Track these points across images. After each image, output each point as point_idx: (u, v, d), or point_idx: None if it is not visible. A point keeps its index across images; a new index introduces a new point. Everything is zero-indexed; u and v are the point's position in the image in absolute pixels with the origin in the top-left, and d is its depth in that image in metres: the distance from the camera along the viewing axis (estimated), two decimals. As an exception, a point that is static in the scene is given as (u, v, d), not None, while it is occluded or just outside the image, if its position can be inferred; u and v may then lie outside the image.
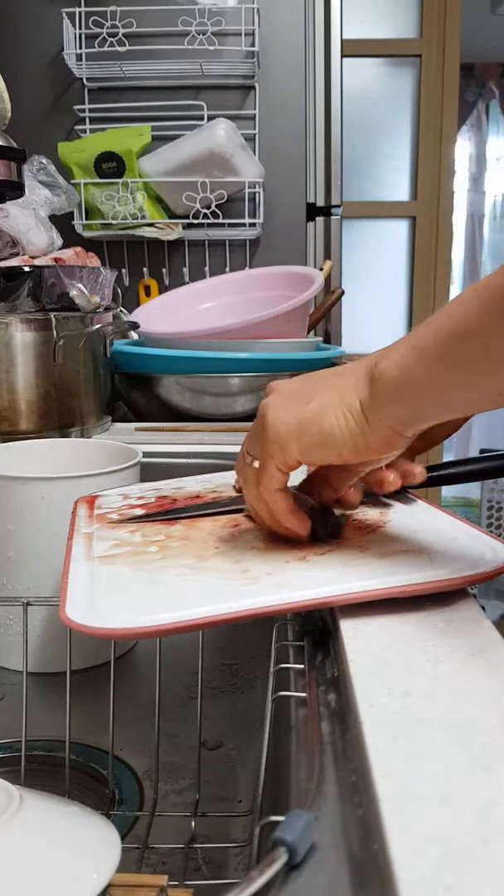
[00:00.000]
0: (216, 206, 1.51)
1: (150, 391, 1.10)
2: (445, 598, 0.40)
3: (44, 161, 1.38)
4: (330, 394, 0.43)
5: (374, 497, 0.57)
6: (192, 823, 0.45)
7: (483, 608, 0.45)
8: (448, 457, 3.15)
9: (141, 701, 0.55)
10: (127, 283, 1.60)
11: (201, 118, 1.53)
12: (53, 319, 0.92)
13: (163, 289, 1.59)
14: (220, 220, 1.53)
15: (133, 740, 0.54)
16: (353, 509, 0.53)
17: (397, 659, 0.35)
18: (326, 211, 1.69)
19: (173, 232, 1.53)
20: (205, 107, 1.53)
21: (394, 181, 2.84)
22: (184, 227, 1.54)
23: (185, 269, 1.60)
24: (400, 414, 0.41)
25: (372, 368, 0.42)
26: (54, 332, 0.92)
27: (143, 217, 1.50)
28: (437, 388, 0.39)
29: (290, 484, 0.46)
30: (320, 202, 1.69)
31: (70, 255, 1.27)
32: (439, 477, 0.57)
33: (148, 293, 1.61)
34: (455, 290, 3.38)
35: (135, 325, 1.11)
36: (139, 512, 0.56)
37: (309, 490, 0.50)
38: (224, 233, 1.56)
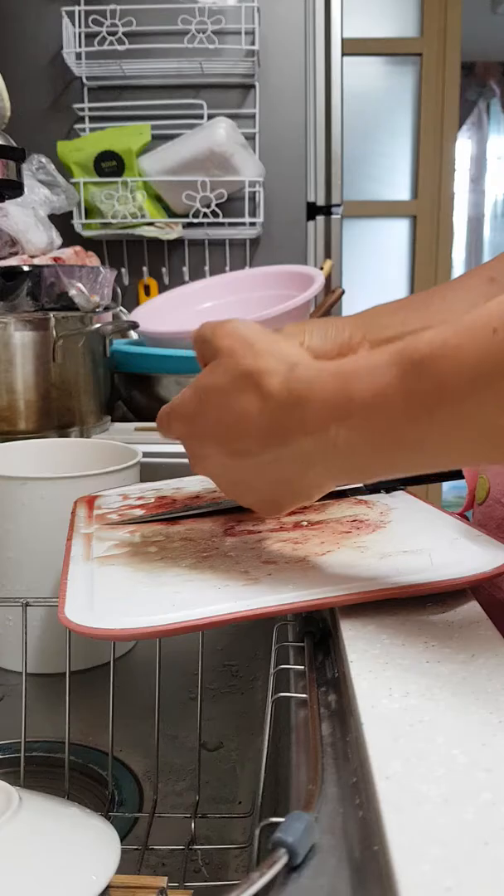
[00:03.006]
0: (216, 205, 1.51)
1: (149, 391, 1.10)
2: (445, 598, 0.40)
3: (43, 160, 1.38)
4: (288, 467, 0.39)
5: (373, 496, 0.57)
6: (192, 825, 0.45)
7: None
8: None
9: (141, 702, 0.55)
10: (126, 282, 1.60)
11: (201, 117, 1.53)
12: (52, 319, 0.92)
13: (163, 288, 1.59)
14: (220, 220, 1.53)
15: (133, 741, 0.54)
16: None
17: (398, 659, 0.34)
18: (327, 210, 1.69)
19: (173, 231, 1.53)
20: (205, 105, 1.53)
21: (394, 180, 2.84)
22: (184, 227, 1.54)
23: (185, 269, 1.60)
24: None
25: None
26: (53, 332, 0.92)
27: (143, 216, 1.50)
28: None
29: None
30: (320, 201, 1.69)
31: (69, 254, 1.27)
32: (380, 482, 0.57)
33: (148, 293, 1.61)
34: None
35: (134, 325, 1.10)
36: (139, 512, 0.56)
37: None
38: (224, 232, 1.56)
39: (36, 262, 1.19)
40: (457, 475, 0.59)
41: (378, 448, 0.36)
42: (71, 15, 1.49)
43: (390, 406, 0.34)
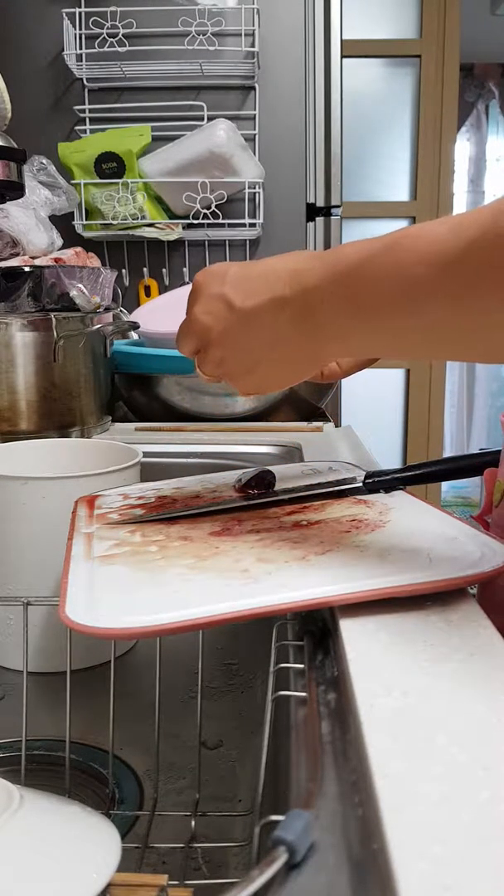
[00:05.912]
0: (216, 206, 1.51)
1: (150, 391, 1.10)
2: (445, 597, 0.40)
3: (44, 161, 1.38)
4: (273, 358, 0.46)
5: (372, 495, 0.57)
6: (192, 823, 0.45)
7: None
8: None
9: (141, 700, 0.55)
10: (127, 283, 1.61)
11: (201, 118, 1.53)
12: (53, 320, 0.92)
13: (163, 289, 1.59)
14: (220, 221, 1.53)
15: (133, 740, 0.54)
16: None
17: (397, 659, 0.35)
18: (326, 211, 1.69)
19: (173, 232, 1.53)
20: (205, 107, 1.53)
21: (393, 181, 2.84)
22: (184, 228, 1.54)
23: (185, 269, 1.60)
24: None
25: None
26: (54, 333, 0.92)
27: (144, 217, 1.50)
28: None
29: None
30: (320, 202, 1.69)
31: (70, 255, 1.27)
32: (379, 482, 0.58)
33: (148, 293, 1.61)
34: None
35: (135, 325, 1.11)
36: (139, 512, 0.56)
37: None
38: (224, 233, 1.56)
39: (37, 262, 1.20)
40: (465, 473, 0.59)
41: (324, 333, 0.43)
42: (71, 17, 1.49)
43: (322, 300, 0.42)
